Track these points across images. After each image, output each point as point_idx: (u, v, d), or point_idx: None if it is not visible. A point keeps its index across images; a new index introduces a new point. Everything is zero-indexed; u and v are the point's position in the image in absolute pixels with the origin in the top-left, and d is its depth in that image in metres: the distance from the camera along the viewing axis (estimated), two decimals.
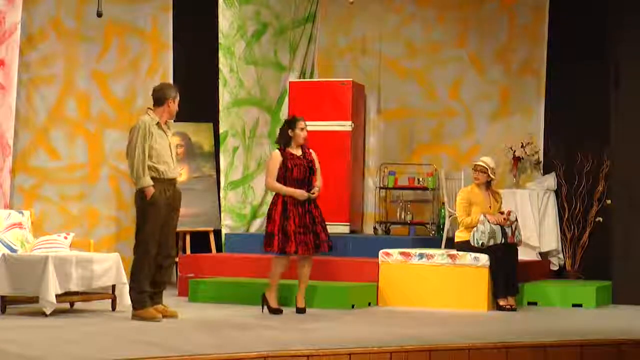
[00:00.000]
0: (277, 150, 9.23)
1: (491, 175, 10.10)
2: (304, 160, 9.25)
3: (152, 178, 8.48)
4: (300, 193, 9.14)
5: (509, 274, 9.77)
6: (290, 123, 9.31)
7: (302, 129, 9.28)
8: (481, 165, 10.10)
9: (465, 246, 9.89)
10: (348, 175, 11.75)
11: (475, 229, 9.85)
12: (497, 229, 9.83)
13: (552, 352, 7.43)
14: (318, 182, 9.30)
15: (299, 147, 9.28)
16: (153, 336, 7.52)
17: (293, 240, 9.04)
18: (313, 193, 9.19)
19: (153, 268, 8.63)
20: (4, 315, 8.81)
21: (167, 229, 8.66)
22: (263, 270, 9.72)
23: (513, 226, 9.94)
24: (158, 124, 8.59)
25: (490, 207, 10.06)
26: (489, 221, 9.83)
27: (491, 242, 9.79)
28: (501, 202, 10.24)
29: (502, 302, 9.71)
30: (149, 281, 8.64)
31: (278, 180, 9.13)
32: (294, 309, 9.25)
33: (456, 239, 10.09)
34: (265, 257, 9.77)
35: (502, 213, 9.97)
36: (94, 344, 7.20)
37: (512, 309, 9.63)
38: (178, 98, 8.71)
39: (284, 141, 9.27)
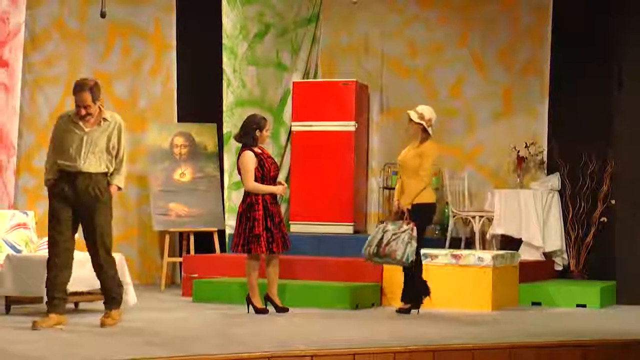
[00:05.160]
0: (249, 151, 9.19)
1: (416, 120, 9.28)
2: (271, 158, 9.37)
3: (57, 171, 8.06)
4: (282, 189, 9.25)
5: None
6: (260, 124, 9.28)
7: (267, 131, 9.33)
8: (408, 114, 9.44)
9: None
10: (351, 175, 11.75)
11: None
12: (378, 236, 9.11)
13: (556, 352, 7.43)
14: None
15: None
16: (157, 336, 7.53)
17: (275, 240, 9.12)
18: (284, 185, 9.32)
19: (58, 277, 8.04)
20: (8, 315, 8.82)
21: (73, 235, 8.13)
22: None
23: (389, 234, 9.06)
24: (70, 117, 8.08)
25: (400, 164, 9.40)
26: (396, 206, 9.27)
27: (366, 252, 9.21)
28: (423, 155, 9.28)
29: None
30: (57, 284, 8.05)
31: (255, 180, 9.16)
32: (281, 309, 9.26)
33: None
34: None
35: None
36: (98, 344, 7.21)
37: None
38: (76, 96, 7.99)
39: (251, 141, 9.24)
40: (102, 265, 8.17)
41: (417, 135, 9.40)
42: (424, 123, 9.32)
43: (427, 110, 9.37)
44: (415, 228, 9.10)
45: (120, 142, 8.13)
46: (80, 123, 8.04)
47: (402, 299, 9.40)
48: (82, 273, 8.81)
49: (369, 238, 9.28)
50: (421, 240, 9.25)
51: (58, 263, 8.07)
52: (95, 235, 8.11)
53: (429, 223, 9.24)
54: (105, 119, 8.09)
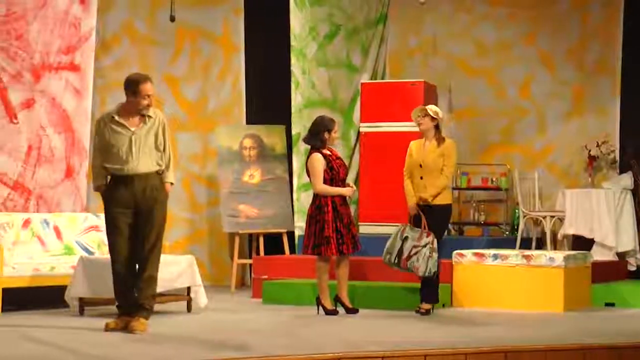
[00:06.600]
0: (317, 153, 9.20)
1: (433, 115, 9.19)
2: (339, 159, 9.35)
3: (106, 176, 7.94)
4: (350, 191, 9.24)
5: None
6: (328, 126, 9.27)
7: (336, 132, 9.32)
8: (420, 110, 9.36)
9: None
10: None
11: None
12: (397, 244, 9.16)
13: (630, 354, 7.32)
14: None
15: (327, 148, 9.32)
16: (227, 337, 7.57)
17: (345, 241, 9.13)
18: (353, 187, 9.32)
19: (127, 283, 7.97)
20: (82, 317, 8.93)
21: (131, 238, 7.92)
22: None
23: (408, 244, 9.06)
24: (113, 118, 7.92)
25: (421, 164, 9.24)
26: (410, 212, 9.23)
27: (387, 259, 9.20)
28: (446, 154, 9.20)
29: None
30: (123, 296, 8.02)
31: (325, 182, 9.16)
32: (351, 310, 9.28)
33: None
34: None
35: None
36: (170, 344, 7.27)
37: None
38: (143, 86, 7.87)
39: (319, 143, 9.25)
40: (147, 265, 7.89)
41: (429, 132, 9.33)
42: (438, 120, 9.29)
43: (438, 108, 9.39)
44: (435, 240, 9.07)
45: (165, 138, 7.92)
46: (125, 123, 7.83)
47: (426, 301, 9.30)
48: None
49: (388, 243, 9.21)
50: (440, 243, 9.19)
51: (120, 271, 7.98)
52: (151, 236, 7.85)
53: (447, 225, 9.22)
54: (149, 116, 7.89)
